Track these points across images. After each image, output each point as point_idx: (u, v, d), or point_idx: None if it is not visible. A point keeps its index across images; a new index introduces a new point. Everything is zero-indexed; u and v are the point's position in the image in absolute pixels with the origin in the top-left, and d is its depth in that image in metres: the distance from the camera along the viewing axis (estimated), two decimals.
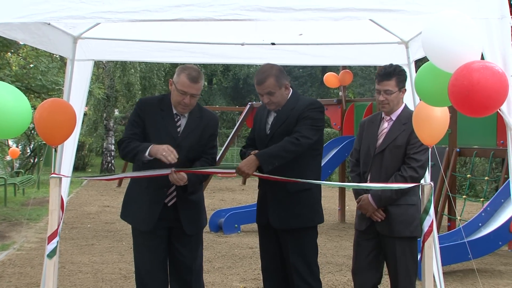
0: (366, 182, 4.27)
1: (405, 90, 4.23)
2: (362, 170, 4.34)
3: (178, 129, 4.11)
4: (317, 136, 4.15)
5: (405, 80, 4.22)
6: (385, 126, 4.26)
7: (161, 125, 4.08)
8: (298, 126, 4.12)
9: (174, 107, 4.10)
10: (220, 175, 19.96)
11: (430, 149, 4.11)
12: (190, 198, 4.16)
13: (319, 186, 4.34)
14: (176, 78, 4.02)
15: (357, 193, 4.33)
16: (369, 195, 4.18)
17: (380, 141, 4.24)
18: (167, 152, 3.84)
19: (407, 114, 4.20)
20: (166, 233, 4.16)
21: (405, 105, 4.29)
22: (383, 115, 4.30)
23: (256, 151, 4.15)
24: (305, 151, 4.11)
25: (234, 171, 4.04)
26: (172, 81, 4.07)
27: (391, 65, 4.18)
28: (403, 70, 4.23)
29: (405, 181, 4.04)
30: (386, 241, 4.20)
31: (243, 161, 4.03)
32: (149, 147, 3.90)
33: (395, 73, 4.12)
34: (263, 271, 4.47)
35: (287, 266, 4.26)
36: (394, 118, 4.23)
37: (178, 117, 4.13)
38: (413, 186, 4.06)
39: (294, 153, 4.05)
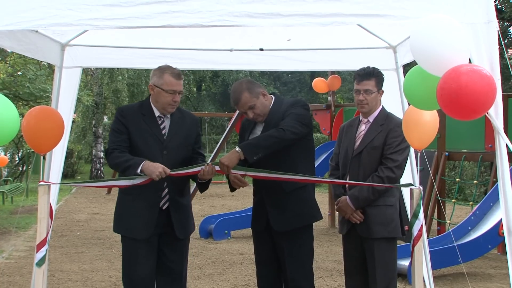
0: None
1: (383, 92, 4.28)
2: (341, 172, 4.36)
3: (163, 131, 4.08)
4: (301, 129, 4.03)
5: (383, 82, 4.27)
6: (363, 128, 4.29)
7: (146, 130, 4.03)
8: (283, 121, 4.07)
9: (163, 109, 4.05)
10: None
11: (408, 150, 4.20)
12: (181, 201, 4.12)
13: (312, 183, 4.32)
14: (159, 80, 3.98)
15: (337, 196, 4.34)
16: (347, 196, 4.20)
17: (357, 143, 4.27)
18: (162, 174, 3.79)
19: (383, 116, 4.26)
20: (157, 240, 4.08)
21: (383, 107, 4.33)
22: (361, 118, 4.35)
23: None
24: (291, 144, 4.00)
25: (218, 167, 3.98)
26: (153, 85, 4.01)
27: (369, 67, 4.23)
28: (381, 72, 4.29)
29: (382, 181, 4.08)
30: (366, 243, 4.21)
31: (225, 155, 3.98)
32: (141, 164, 3.82)
33: (374, 74, 4.19)
34: (259, 278, 4.40)
35: (282, 270, 4.24)
36: (371, 120, 4.27)
37: (162, 120, 4.10)
38: (403, 186, 4.20)
39: (278, 142, 3.93)
